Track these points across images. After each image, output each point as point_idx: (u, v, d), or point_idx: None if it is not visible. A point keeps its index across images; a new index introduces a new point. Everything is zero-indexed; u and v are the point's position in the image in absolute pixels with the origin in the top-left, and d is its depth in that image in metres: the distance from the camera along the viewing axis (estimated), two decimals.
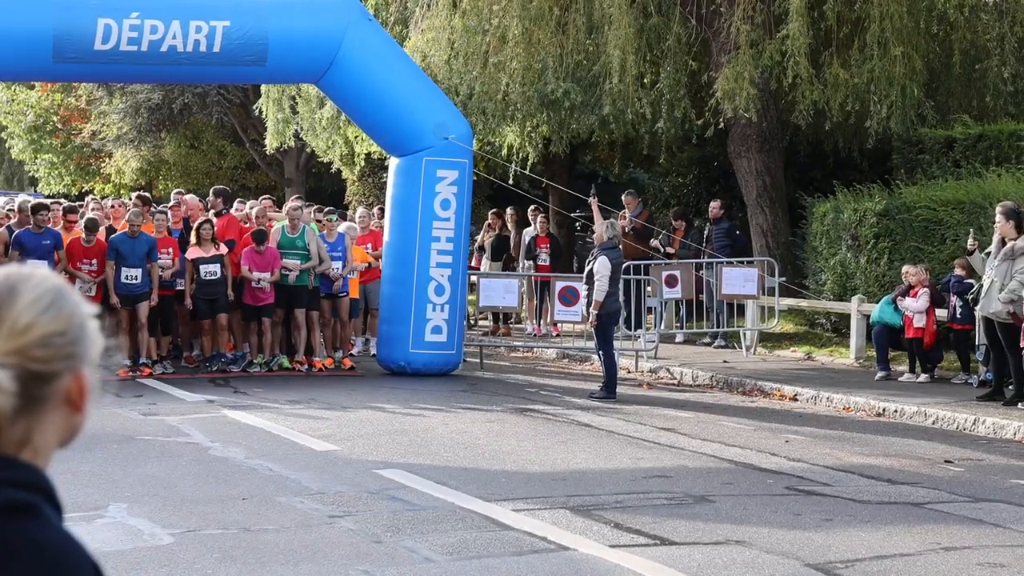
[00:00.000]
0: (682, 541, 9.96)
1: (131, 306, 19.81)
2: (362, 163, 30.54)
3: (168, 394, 18.05)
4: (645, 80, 24.39)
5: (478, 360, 21.84)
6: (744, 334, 23.40)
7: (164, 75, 22.07)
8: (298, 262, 20.40)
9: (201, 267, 20.08)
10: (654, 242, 25.22)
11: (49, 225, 20.00)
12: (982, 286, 17.32)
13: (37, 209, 19.86)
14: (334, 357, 21.07)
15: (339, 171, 33.88)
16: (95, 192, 42.21)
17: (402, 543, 9.74)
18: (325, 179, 41.84)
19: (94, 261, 19.81)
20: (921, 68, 23.08)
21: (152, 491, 11.67)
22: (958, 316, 18.71)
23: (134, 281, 19.72)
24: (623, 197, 26.22)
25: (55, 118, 45.63)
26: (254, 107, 31.49)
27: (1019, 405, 16.67)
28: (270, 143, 30.64)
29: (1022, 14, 22.91)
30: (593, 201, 21.26)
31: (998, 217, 17.09)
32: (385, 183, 23.13)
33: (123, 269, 19.63)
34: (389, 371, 20.51)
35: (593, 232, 21.26)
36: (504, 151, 26.49)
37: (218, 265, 20.17)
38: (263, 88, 29.94)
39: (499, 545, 9.72)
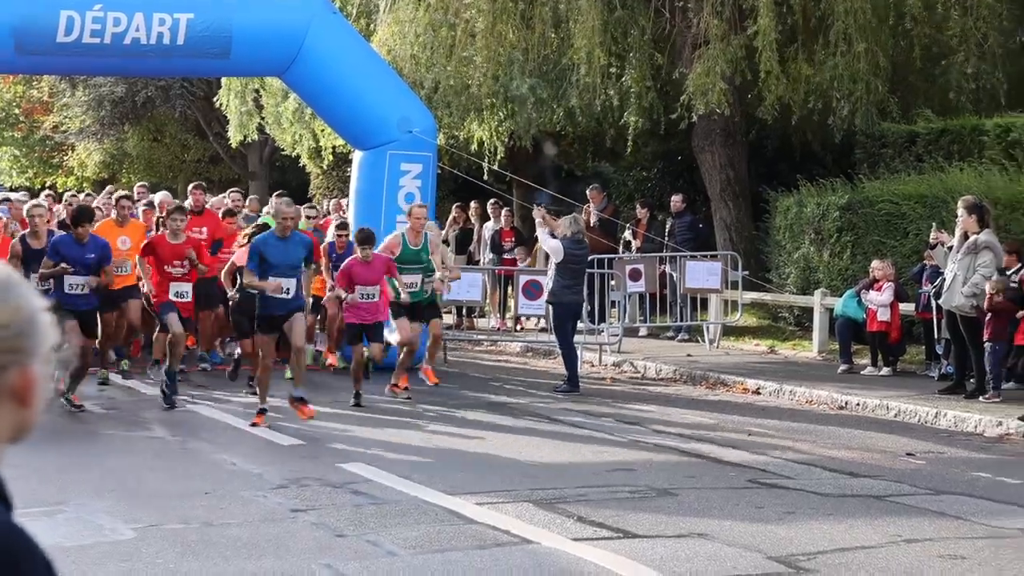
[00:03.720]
0: (645, 534, 9.98)
1: (274, 331, 15.36)
2: (330, 157, 30.48)
3: (131, 388, 17.98)
4: (612, 71, 24.43)
5: (442, 354, 21.81)
6: (707, 328, 23.46)
7: (127, 68, 21.99)
8: (419, 277, 17.25)
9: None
10: (626, 235, 25.29)
11: (91, 231, 16.36)
12: (944, 279, 17.42)
13: (80, 219, 16.11)
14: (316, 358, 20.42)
15: (303, 164, 33.79)
16: (58, 186, 42.01)
17: (365, 537, 9.73)
18: (289, 172, 41.73)
19: (185, 262, 16.78)
20: (885, 64, 23.19)
21: (114, 485, 11.63)
22: (931, 305, 18.74)
23: (286, 296, 15.09)
24: (588, 191, 26.22)
25: (17, 111, 45.38)
26: (216, 100, 31.39)
27: (980, 398, 16.77)
28: (234, 137, 30.55)
29: (986, 10, 23.02)
30: (537, 211, 20.53)
31: (960, 211, 17.18)
32: (349, 176, 23.08)
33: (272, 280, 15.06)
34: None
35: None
36: (475, 146, 26.49)
37: None
38: (223, 81, 29.85)
39: (462, 539, 9.73)
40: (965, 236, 17.05)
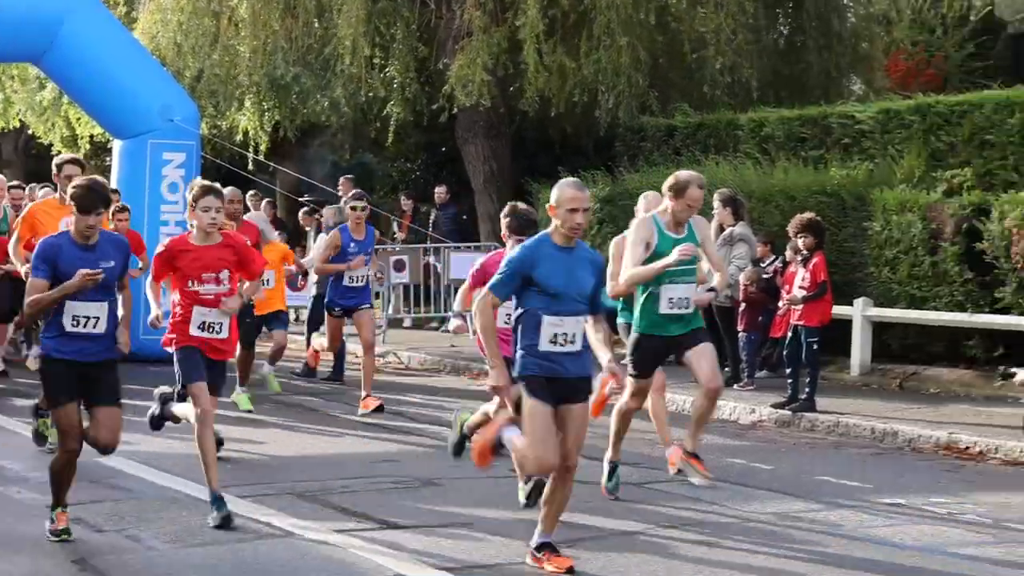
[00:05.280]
0: (409, 524, 10.02)
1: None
2: (87, 146, 29.86)
3: None
4: (376, 62, 24.44)
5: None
6: (471, 318, 23.59)
7: None
8: (690, 284, 11.22)
9: None
10: (394, 229, 25.31)
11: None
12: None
13: (93, 203, 9.27)
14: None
15: (60, 152, 33.10)
16: None
17: (124, 532, 9.59)
18: (46, 161, 40.73)
19: (224, 273, 10.43)
20: (646, 58, 23.62)
21: None
22: None
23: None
24: (340, 180, 26.13)
25: None
26: None
27: (735, 387, 17.20)
28: None
29: (735, 6, 23.60)
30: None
31: (716, 204, 17.59)
32: (109, 166, 22.65)
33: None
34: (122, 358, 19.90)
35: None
36: (239, 136, 26.20)
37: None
38: None
39: (223, 532, 9.64)
40: (721, 228, 17.48)
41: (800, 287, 15.64)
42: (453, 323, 12.02)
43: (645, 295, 11.13)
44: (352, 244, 15.86)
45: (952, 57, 30.30)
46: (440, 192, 25.48)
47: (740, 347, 17.54)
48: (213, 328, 10.37)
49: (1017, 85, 20.82)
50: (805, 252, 15.65)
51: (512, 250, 8.86)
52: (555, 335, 8.82)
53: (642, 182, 22.08)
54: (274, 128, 26.76)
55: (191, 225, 10.42)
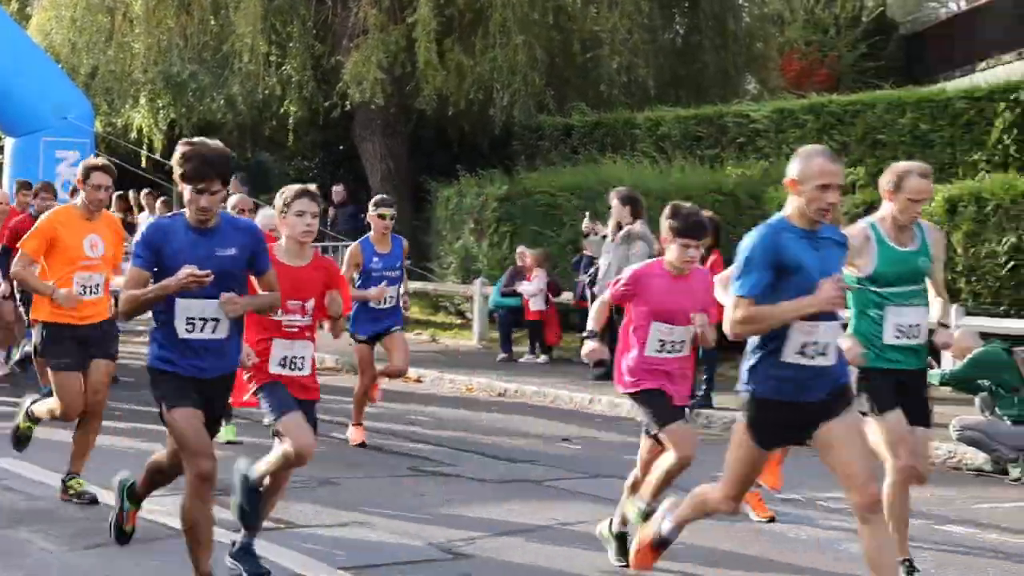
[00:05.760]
0: (306, 524, 9.99)
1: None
2: None
3: None
4: (272, 60, 24.33)
5: None
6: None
7: None
8: (922, 311, 8.69)
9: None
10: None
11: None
12: (599, 268, 17.92)
13: (207, 173, 7.32)
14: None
15: None
16: None
17: (17, 534, 9.47)
18: None
19: (310, 303, 8.86)
20: (542, 57, 23.72)
21: None
22: (587, 294, 19.24)
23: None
24: (233, 179, 25.85)
25: None
26: None
27: None
28: None
29: (631, 6, 23.76)
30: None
31: (614, 202, 17.68)
32: (1, 164, 22.35)
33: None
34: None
35: None
36: (134, 134, 25.95)
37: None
38: None
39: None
40: (619, 226, 17.58)
41: None
42: (588, 345, 9.39)
43: (860, 319, 8.61)
44: (375, 259, 13.47)
45: (845, 57, 30.74)
46: (338, 191, 25.41)
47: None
48: (295, 364, 8.87)
49: (908, 85, 21.16)
50: (702, 250, 15.76)
51: (746, 238, 7.24)
52: (803, 344, 6.98)
53: (540, 181, 22.21)
54: (170, 126, 26.56)
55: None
